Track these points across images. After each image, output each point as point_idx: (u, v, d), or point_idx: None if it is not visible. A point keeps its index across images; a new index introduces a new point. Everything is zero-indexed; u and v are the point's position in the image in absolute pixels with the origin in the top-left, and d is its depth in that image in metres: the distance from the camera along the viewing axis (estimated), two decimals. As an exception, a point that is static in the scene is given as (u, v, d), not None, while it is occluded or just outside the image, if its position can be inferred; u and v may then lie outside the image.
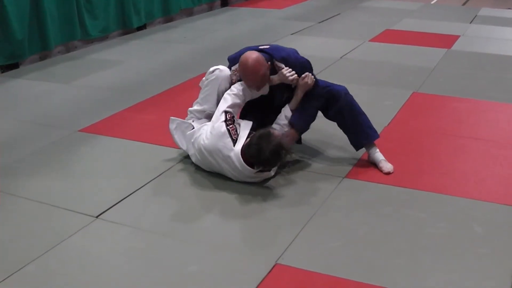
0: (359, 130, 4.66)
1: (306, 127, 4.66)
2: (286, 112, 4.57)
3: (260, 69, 4.36)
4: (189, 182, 4.44)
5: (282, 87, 4.54)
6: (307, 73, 4.50)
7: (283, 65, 4.48)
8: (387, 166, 4.62)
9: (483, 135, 5.38)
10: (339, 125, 4.71)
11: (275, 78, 4.50)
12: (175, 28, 10.19)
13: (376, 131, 4.70)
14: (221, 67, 4.61)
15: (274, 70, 4.50)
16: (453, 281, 3.33)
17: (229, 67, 4.62)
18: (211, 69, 4.64)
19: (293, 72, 4.45)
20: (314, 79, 4.52)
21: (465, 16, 11.29)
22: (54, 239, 3.66)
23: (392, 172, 4.58)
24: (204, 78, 4.70)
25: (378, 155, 4.68)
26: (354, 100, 4.65)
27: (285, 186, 4.38)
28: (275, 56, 4.49)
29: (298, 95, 4.53)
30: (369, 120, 4.69)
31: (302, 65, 4.57)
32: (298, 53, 4.70)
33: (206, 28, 10.21)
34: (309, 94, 4.55)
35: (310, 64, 4.67)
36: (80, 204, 4.10)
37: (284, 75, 4.44)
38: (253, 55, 4.38)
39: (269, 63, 4.43)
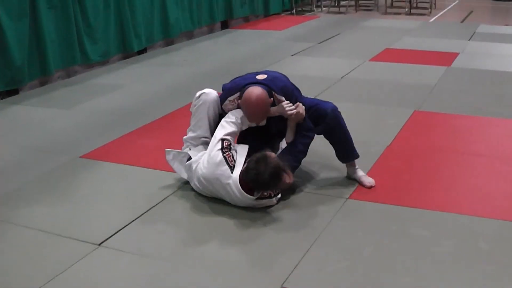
0: (345, 147, 4.72)
1: (296, 165, 4.61)
2: (283, 146, 4.57)
3: (264, 106, 4.37)
4: (190, 207, 4.42)
5: (279, 117, 4.53)
6: (298, 103, 4.49)
7: (283, 98, 4.46)
8: (368, 180, 4.69)
9: (486, 151, 5.36)
10: (327, 139, 4.73)
11: (274, 110, 4.48)
12: (176, 51, 10.21)
13: (356, 150, 4.76)
14: (206, 90, 4.61)
15: (273, 102, 4.48)
16: (460, 301, 3.30)
17: (225, 97, 4.59)
18: (197, 94, 4.64)
19: (292, 105, 4.45)
20: (303, 109, 4.51)
21: (463, 33, 11.31)
22: (57, 268, 3.62)
23: (374, 186, 4.63)
24: (192, 103, 4.69)
25: (358, 171, 4.75)
26: (341, 117, 4.66)
27: (288, 209, 4.35)
28: (274, 88, 4.47)
29: (291, 126, 4.53)
30: (351, 139, 4.74)
31: (296, 95, 4.60)
32: (289, 80, 4.71)
33: (207, 50, 10.23)
34: (299, 127, 4.54)
35: (300, 92, 4.71)
36: (82, 231, 4.07)
37: (284, 108, 4.43)
38: (257, 91, 4.36)
39: (271, 99, 4.43)
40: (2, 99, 7.29)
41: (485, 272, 3.55)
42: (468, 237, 3.94)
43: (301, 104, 4.49)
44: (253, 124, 4.55)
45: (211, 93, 4.59)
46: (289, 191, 4.52)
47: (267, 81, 4.49)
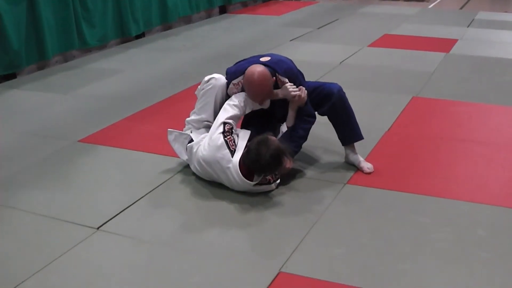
0: (349, 128, 4.69)
1: (297, 150, 4.60)
2: (284, 129, 4.57)
3: (266, 83, 4.35)
4: (190, 192, 4.41)
5: (283, 101, 4.52)
6: (301, 87, 4.48)
7: (286, 80, 4.45)
8: (367, 165, 4.67)
9: (484, 138, 5.36)
10: (330, 120, 4.72)
11: (278, 93, 4.47)
12: (174, 36, 10.18)
13: (361, 132, 4.74)
14: (216, 75, 4.59)
15: (277, 84, 4.47)
16: (458, 285, 3.31)
17: (228, 80, 4.58)
18: (206, 78, 4.62)
19: (295, 87, 4.44)
20: (306, 94, 4.50)
21: (462, 20, 11.29)
22: (55, 252, 3.63)
23: (373, 171, 4.62)
24: (199, 87, 4.68)
25: (357, 156, 4.73)
26: (346, 98, 4.65)
27: (286, 194, 4.35)
28: (278, 70, 4.46)
29: (293, 110, 4.51)
30: (356, 120, 4.73)
31: (300, 79, 4.59)
32: (294, 64, 4.69)
33: (205, 35, 10.20)
34: (300, 112, 4.53)
35: (304, 77, 4.71)
36: (81, 216, 4.07)
37: (287, 89, 4.42)
38: (259, 68, 4.35)
39: (274, 78, 4.41)
40: (-1, 83, 7.28)
41: (484, 258, 3.56)
42: (467, 224, 3.94)
43: (304, 88, 4.48)
44: (257, 107, 4.54)
45: (221, 79, 4.57)
46: (289, 176, 4.52)
47: (271, 63, 4.48)
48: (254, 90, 4.37)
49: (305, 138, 4.60)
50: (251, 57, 4.71)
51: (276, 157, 4.10)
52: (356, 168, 4.71)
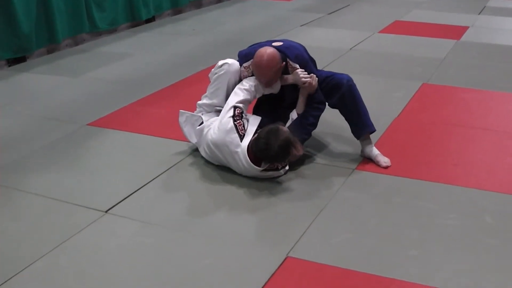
0: (360, 119, 4.62)
1: (306, 137, 4.60)
2: (294, 116, 4.56)
3: (275, 65, 4.34)
4: (199, 176, 4.42)
5: (293, 86, 4.52)
6: (312, 74, 4.47)
7: (297, 66, 4.45)
8: (384, 159, 4.57)
9: (494, 125, 5.35)
10: (342, 113, 4.68)
11: (289, 78, 4.47)
12: (184, 20, 10.17)
13: (373, 124, 4.65)
14: (229, 61, 4.58)
15: (287, 70, 4.47)
16: (464, 272, 3.31)
17: (240, 63, 4.58)
18: (220, 63, 4.60)
19: (306, 73, 4.43)
20: (317, 81, 4.49)
21: (474, 7, 11.23)
22: (64, 235, 3.65)
23: (390, 165, 4.55)
24: (213, 70, 4.67)
25: (373, 149, 4.63)
26: (357, 89, 4.60)
27: (295, 179, 4.36)
28: (290, 55, 4.45)
29: (303, 97, 4.51)
30: (367, 112, 4.65)
31: (310, 66, 4.58)
32: (306, 50, 4.68)
33: (215, 20, 10.19)
34: (310, 99, 4.52)
35: (315, 64, 4.70)
36: (89, 199, 4.09)
37: (298, 75, 4.41)
38: (268, 50, 4.35)
39: (283, 63, 4.41)
40: (9, 66, 7.28)
41: (490, 245, 3.56)
42: (474, 211, 3.94)
43: (314, 76, 4.47)
44: (268, 91, 4.54)
45: (234, 64, 4.56)
46: (297, 161, 4.52)
47: (282, 47, 4.48)
48: (261, 71, 4.37)
49: (315, 125, 4.59)
50: (263, 42, 4.71)
51: (285, 148, 4.09)
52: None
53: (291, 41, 4.74)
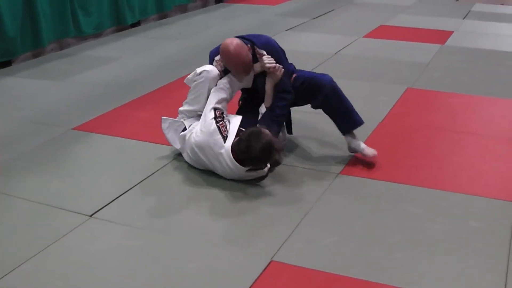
0: (348, 116, 4.65)
1: (278, 129, 4.61)
2: (262, 111, 4.57)
3: (242, 51, 4.40)
4: (183, 180, 4.42)
5: (265, 77, 4.56)
6: (277, 65, 4.51)
7: (264, 52, 4.52)
8: (370, 150, 4.61)
9: (478, 130, 5.38)
10: (326, 112, 4.69)
11: (257, 66, 4.53)
12: (170, 24, 10.16)
13: (360, 117, 4.68)
14: (208, 67, 4.59)
15: (256, 58, 4.52)
16: (450, 276, 3.33)
17: (211, 60, 4.64)
18: (198, 70, 4.61)
19: (273, 59, 4.48)
20: (282, 71, 4.53)
21: (458, 12, 11.28)
22: (49, 238, 3.64)
23: (376, 155, 4.59)
24: (190, 77, 4.67)
25: (358, 142, 4.66)
26: (339, 88, 4.62)
27: (279, 184, 4.36)
28: (256, 42, 4.54)
29: (269, 89, 4.55)
30: (353, 107, 4.68)
31: (280, 55, 4.63)
32: (276, 42, 4.74)
33: (201, 24, 10.18)
34: (277, 91, 4.55)
35: (284, 53, 4.74)
36: (74, 203, 4.08)
37: (263, 61, 4.47)
38: (230, 40, 4.44)
39: (249, 45, 4.47)
40: (-6, 70, 7.26)
41: (475, 249, 3.58)
42: (459, 215, 3.96)
43: (281, 66, 4.52)
44: (241, 86, 4.61)
45: (213, 71, 4.57)
46: (282, 166, 4.52)
47: (249, 36, 4.60)
48: (233, 61, 4.43)
49: (283, 115, 4.64)
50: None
51: (266, 151, 4.10)
52: (350, 158, 4.71)
53: (259, 34, 4.84)
